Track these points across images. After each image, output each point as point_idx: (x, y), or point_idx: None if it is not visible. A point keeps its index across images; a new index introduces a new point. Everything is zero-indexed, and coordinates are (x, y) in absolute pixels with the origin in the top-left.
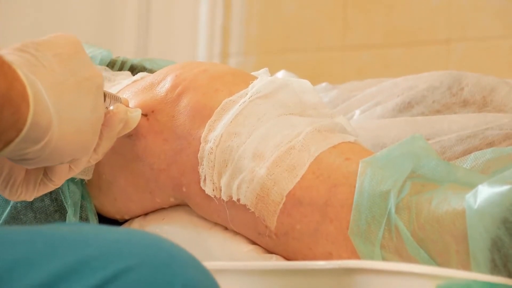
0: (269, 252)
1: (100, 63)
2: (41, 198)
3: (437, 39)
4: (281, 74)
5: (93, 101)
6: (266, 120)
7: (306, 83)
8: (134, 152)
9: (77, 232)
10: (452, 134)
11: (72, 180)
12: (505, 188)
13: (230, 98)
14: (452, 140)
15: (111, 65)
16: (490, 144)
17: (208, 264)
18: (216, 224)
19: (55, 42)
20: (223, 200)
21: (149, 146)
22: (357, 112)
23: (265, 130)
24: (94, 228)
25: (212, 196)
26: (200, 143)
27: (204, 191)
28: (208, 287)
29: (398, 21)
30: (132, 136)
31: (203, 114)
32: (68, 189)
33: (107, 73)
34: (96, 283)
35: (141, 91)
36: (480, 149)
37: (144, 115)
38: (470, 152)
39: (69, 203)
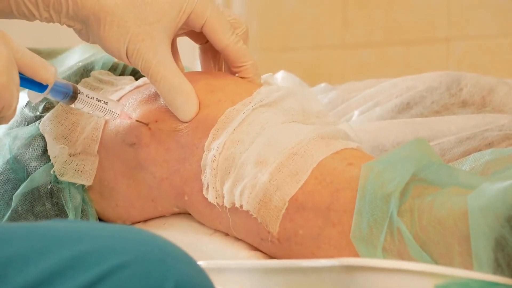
0: (271, 258)
1: (103, 67)
2: (42, 202)
3: (436, 38)
4: (280, 74)
5: None
6: (269, 128)
7: (309, 91)
8: (137, 160)
9: (71, 228)
10: (451, 136)
11: (73, 184)
12: (507, 184)
13: (234, 107)
14: (451, 142)
15: (113, 68)
16: (490, 145)
17: (209, 263)
18: (216, 230)
19: None
20: (226, 207)
21: (151, 155)
22: (356, 113)
23: (268, 137)
24: (88, 224)
25: (215, 204)
26: (204, 152)
27: (206, 199)
28: (201, 283)
29: (398, 20)
30: (134, 145)
31: (206, 124)
32: (69, 193)
33: (110, 77)
34: (90, 279)
35: (145, 100)
36: (480, 150)
37: (146, 124)
38: (469, 154)
39: (70, 207)
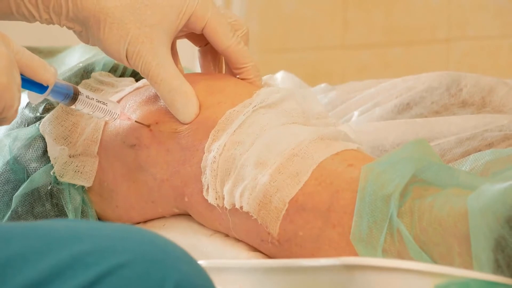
0: (271, 258)
1: (103, 68)
2: (42, 203)
3: (437, 39)
4: (280, 74)
5: None
6: (269, 129)
7: (309, 92)
8: (137, 162)
9: (70, 227)
10: (451, 137)
11: (72, 185)
12: (507, 185)
13: (234, 108)
14: (451, 143)
15: (114, 70)
16: (489, 146)
17: (209, 263)
18: (216, 231)
19: None
20: (226, 208)
21: (152, 156)
22: (356, 113)
23: (268, 138)
24: (87, 224)
25: (215, 205)
26: (204, 153)
27: (206, 200)
28: (201, 283)
29: (398, 20)
30: (135, 146)
31: (206, 125)
32: (69, 194)
33: (111, 79)
34: (90, 279)
35: (145, 101)
36: (479, 150)
37: (147, 125)
38: (469, 154)
39: (69, 208)
